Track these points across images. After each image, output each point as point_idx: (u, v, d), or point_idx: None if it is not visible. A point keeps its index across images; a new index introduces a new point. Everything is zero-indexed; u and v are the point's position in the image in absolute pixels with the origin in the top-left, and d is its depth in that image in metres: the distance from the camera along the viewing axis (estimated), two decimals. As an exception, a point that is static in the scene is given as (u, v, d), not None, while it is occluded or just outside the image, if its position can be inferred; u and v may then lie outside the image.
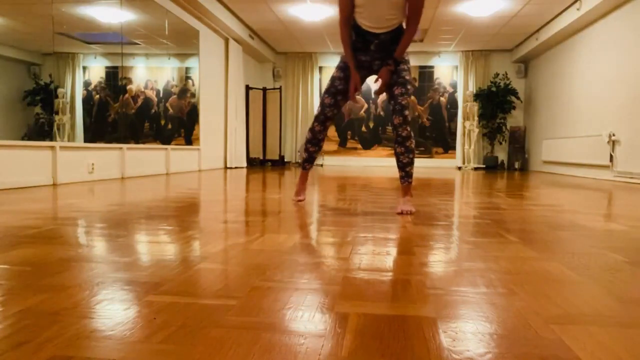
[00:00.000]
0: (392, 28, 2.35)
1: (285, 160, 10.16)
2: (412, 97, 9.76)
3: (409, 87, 2.36)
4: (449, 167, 9.52)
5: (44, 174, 3.82)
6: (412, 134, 2.36)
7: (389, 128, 9.88)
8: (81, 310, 0.87)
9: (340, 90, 2.46)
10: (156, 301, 0.93)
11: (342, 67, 2.46)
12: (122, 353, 0.70)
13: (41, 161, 3.79)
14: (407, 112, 2.32)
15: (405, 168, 2.39)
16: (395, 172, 6.78)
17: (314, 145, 2.59)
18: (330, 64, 10.00)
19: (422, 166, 9.76)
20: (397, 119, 2.32)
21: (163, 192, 3.33)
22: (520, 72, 9.31)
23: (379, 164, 9.92)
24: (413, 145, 2.37)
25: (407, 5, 2.29)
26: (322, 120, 2.51)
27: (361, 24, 2.36)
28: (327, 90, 2.49)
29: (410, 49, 9.41)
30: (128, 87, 5.10)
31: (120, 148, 4.89)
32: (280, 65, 10.11)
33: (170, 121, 6.01)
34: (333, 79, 2.47)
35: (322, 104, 2.50)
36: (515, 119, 9.48)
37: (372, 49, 2.40)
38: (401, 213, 2.31)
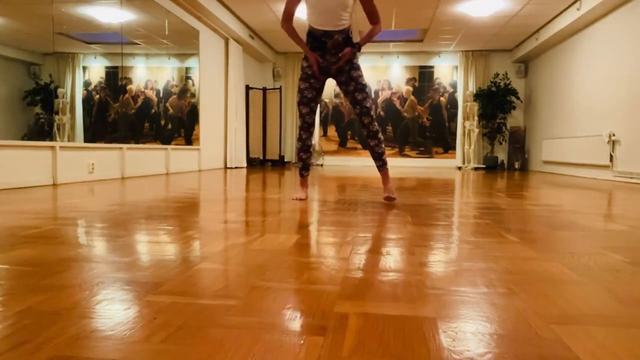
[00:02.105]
0: (343, 28, 2.64)
1: (285, 160, 10.16)
2: (413, 97, 9.77)
3: (367, 90, 2.73)
4: (449, 167, 9.52)
5: (44, 174, 3.82)
6: (380, 128, 2.77)
7: (390, 128, 9.88)
8: (81, 310, 0.87)
9: (311, 99, 2.77)
10: (156, 301, 0.93)
11: (305, 77, 2.76)
12: (122, 353, 0.70)
13: (41, 161, 3.79)
14: (372, 112, 2.74)
15: (381, 157, 2.79)
16: (395, 173, 6.79)
17: (305, 152, 2.87)
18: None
19: (422, 166, 9.76)
20: (366, 118, 2.73)
21: (163, 192, 3.33)
22: (520, 72, 9.31)
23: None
24: (382, 136, 2.79)
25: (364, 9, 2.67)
26: (306, 127, 2.82)
27: (315, 23, 2.64)
28: (300, 102, 2.78)
29: (410, 48, 9.41)
30: (128, 87, 5.10)
31: (120, 148, 4.89)
32: (280, 65, 10.11)
33: (170, 121, 6.01)
34: (301, 90, 2.77)
35: (301, 115, 2.80)
36: (515, 119, 9.48)
37: (329, 47, 2.67)
38: (387, 198, 2.75)
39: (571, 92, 7.15)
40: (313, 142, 9.83)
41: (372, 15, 2.70)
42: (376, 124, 2.75)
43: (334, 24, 2.62)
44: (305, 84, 2.76)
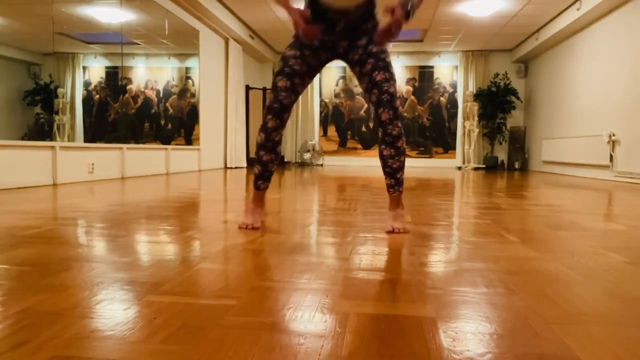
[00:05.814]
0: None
1: (285, 160, 10.16)
2: (412, 97, 9.76)
3: (392, 71, 1.79)
4: (449, 167, 9.52)
5: (44, 174, 3.82)
6: (403, 132, 1.80)
7: (389, 128, 9.86)
8: (81, 310, 0.87)
9: (296, 71, 1.80)
10: (156, 301, 0.93)
11: (297, 46, 1.84)
12: (122, 353, 0.70)
13: (41, 161, 3.79)
14: (397, 103, 1.77)
15: (395, 174, 1.82)
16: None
17: (268, 152, 1.83)
18: (329, 64, 9.99)
19: (422, 166, 9.76)
20: (386, 113, 1.75)
21: (163, 192, 3.33)
22: (520, 72, 9.31)
23: (379, 164, 9.90)
24: (405, 146, 1.81)
25: None
26: (277, 110, 1.79)
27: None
28: (281, 72, 1.81)
29: (410, 48, 9.40)
30: (128, 87, 5.10)
31: (120, 148, 4.89)
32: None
33: (170, 121, 6.01)
34: (286, 58, 1.82)
35: (275, 89, 1.81)
36: (515, 119, 9.47)
37: (338, 30, 1.78)
38: (392, 231, 1.80)
39: (571, 92, 7.15)
40: (312, 142, 9.82)
41: None
42: (400, 124, 1.77)
43: None
44: (294, 52, 1.81)
